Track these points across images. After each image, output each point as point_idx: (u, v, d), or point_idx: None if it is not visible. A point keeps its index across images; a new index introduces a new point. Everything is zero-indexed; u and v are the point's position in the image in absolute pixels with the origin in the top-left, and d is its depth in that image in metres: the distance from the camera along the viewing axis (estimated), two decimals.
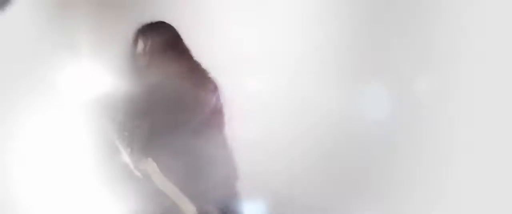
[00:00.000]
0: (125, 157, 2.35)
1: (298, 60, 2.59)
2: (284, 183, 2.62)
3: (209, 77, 2.36)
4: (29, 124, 2.64)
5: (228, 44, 2.64)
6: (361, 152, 2.46)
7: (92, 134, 2.77)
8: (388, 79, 2.36)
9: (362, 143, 2.45)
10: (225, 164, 2.39)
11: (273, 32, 2.64)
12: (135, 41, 2.37)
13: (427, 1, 2.28)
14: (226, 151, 2.41)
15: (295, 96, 2.61)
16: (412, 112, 2.33)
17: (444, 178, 2.29)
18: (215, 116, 2.36)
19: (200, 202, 2.31)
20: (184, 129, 2.29)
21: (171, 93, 2.30)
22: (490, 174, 2.19)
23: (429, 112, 2.31)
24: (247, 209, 2.42)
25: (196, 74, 2.37)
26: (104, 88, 2.59)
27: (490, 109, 2.19)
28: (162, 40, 2.35)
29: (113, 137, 2.34)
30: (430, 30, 2.28)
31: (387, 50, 2.38)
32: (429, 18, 2.27)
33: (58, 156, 2.70)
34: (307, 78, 2.57)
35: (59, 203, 2.68)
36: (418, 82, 2.30)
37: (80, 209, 2.70)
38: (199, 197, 2.31)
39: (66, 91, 2.77)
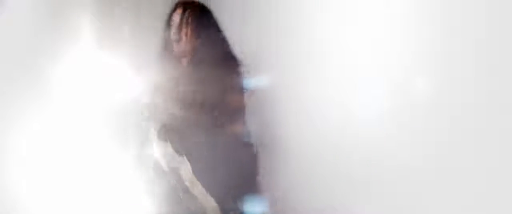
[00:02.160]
0: (157, 153, 2.32)
1: (297, 60, 2.56)
2: (283, 183, 2.58)
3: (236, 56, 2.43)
4: (29, 122, 2.64)
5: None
6: (359, 152, 2.45)
7: (94, 132, 2.78)
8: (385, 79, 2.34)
9: (361, 143, 2.44)
10: (248, 158, 2.39)
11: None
12: (173, 12, 2.41)
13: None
14: (249, 144, 2.41)
15: (295, 96, 2.58)
16: (410, 112, 2.31)
17: (443, 178, 2.25)
18: (239, 99, 2.35)
19: (221, 198, 2.29)
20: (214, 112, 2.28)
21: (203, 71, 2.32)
22: (490, 174, 2.14)
23: (427, 112, 2.27)
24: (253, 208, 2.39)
25: (226, 48, 2.43)
26: (114, 83, 2.59)
27: (489, 109, 2.14)
28: (199, 10, 2.39)
29: (145, 132, 2.31)
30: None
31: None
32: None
33: (58, 156, 2.70)
34: (305, 78, 2.56)
35: (59, 203, 2.68)
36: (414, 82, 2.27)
37: (80, 209, 2.71)
38: (221, 192, 2.29)
39: (67, 88, 2.76)
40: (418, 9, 2.27)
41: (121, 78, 2.71)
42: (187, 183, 2.25)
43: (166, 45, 2.40)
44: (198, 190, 2.25)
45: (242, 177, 2.38)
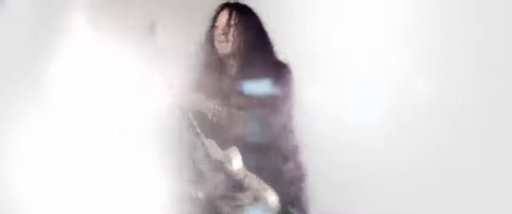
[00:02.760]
0: (206, 149, 2.28)
1: (296, 61, 2.56)
2: None
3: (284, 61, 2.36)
4: (29, 122, 2.64)
5: None
6: (357, 153, 2.47)
7: (95, 132, 2.78)
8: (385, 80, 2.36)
9: (361, 144, 2.45)
10: (293, 159, 2.39)
11: None
12: (218, 13, 2.35)
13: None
14: (295, 145, 2.39)
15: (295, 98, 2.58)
16: (411, 113, 2.32)
17: (444, 178, 2.27)
18: (285, 101, 2.33)
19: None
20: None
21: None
22: (490, 176, 2.17)
23: (428, 113, 2.29)
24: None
25: (274, 52, 2.36)
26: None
27: (489, 110, 2.16)
28: (246, 12, 2.34)
29: (194, 128, 2.28)
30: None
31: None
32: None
33: (59, 156, 2.70)
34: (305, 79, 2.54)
35: (59, 203, 2.68)
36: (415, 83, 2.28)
37: (81, 209, 2.70)
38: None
39: (67, 88, 2.76)
40: (418, 9, 2.27)
41: (123, 77, 2.71)
42: (240, 176, 2.20)
43: (209, 46, 2.36)
44: (254, 180, 2.21)
45: (288, 182, 2.37)
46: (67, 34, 2.75)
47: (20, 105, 2.60)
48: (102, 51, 2.76)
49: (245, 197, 2.23)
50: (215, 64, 2.36)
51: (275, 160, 2.31)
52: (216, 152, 2.25)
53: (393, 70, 2.35)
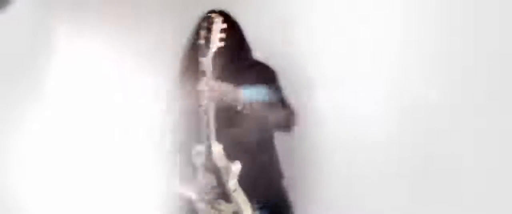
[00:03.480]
0: (211, 152, 2.31)
1: (297, 61, 2.56)
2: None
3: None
4: (29, 122, 2.65)
5: None
6: (357, 153, 2.47)
7: (95, 132, 2.79)
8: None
9: (361, 144, 2.46)
10: (272, 163, 2.46)
11: None
12: (202, 20, 2.43)
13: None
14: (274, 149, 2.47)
15: (295, 98, 2.58)
16: (410, 113, 2.33)
17: (443, 179, 2.28)
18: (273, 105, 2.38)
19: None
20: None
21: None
22: (490, 176, 2.18)
23: (428, 114, 2.29)
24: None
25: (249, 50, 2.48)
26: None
27: (489, 110, 2.17)
28: (229, 18, 2.46)
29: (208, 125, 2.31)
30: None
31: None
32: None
33: (59, 156, 2.71)
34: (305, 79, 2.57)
35: (60, 204, 2.69)
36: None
37: (82, 209, 2.71)
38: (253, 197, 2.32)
39: (68, 89, 2.77)
40: (418, 9, 2.28)
41: (124, 78, 2.73)
42: (231, 189, 2.27)
43: (193, 49, 2.42)
44: (241, 195, 2.27)
45: (267, 181, 2.42)
46: (67, 35, 2.76)
47: (20, 106, 2.62)
48: (102, 51, 2.77)
49: (227, 208, 2.28)
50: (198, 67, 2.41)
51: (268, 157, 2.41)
52: (220, 159, 2.29)
53: (393, 70, 2.35)
